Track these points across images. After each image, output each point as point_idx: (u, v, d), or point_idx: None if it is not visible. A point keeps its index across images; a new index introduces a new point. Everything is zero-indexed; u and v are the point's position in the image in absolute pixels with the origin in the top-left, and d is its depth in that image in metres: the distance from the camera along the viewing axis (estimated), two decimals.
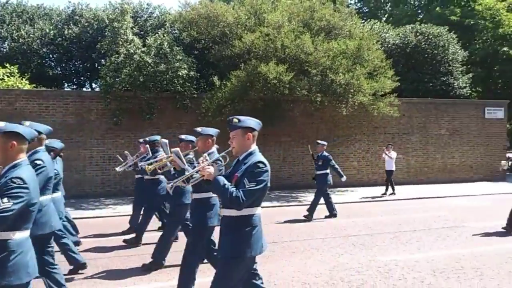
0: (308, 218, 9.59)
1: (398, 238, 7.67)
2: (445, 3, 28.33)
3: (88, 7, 17.29)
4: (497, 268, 5.78)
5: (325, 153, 10.13)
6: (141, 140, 8.46)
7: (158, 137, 7.46)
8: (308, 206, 9.87)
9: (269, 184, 3.28)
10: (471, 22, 23.25)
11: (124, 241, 7.23)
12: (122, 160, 8.92)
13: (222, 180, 3.15)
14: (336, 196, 13.72)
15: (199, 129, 5.04)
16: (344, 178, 10.44)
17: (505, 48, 22.86)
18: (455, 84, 19.01)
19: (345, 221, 9.48)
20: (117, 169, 8.39)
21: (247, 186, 3.10)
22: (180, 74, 12.64)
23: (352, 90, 12.83)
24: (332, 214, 9.97)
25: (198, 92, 14.07)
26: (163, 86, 12.95)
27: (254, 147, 3.38)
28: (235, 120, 3.34)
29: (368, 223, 9.21)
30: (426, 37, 18.64)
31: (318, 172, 10.08)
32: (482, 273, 5.57)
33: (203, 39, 14.33)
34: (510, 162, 18.97)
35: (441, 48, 18.74)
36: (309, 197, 13.43)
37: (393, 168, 13.95)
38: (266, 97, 12.81)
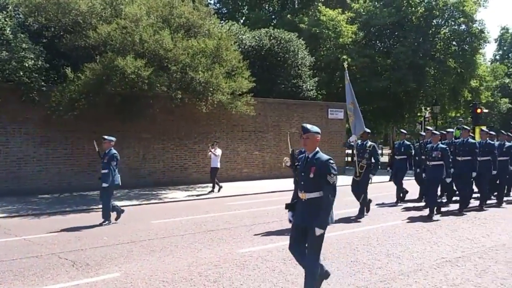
0: (102, 224, 8.80)
1: (253, 231, 8.09)
2: (295, 11, 30.61)
3: None
4: (337, 252, 6.50)
5: (113, 150, 9.00)
6: None
7: None
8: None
9: None
10: (317, 31, 25.49)
11: None
12: None
13: None
14: (197, 192, 13.92)
15: None
16: (104, 185, 8.85)
17: (344, 56, 25.58)
18: (303, 87, 20.64)
19: (204, 217, 9.67)
20: None
21: None
22: (27, 65, 11.48)
23: (211, 89, 13.10)
24: (107, 220, 8.90)
25: (48, 84, 12.93)
26: (5, 76, 11.60)
27: None
28: None
29: (226, 217, 9.54)
30: (278, 42, 19.88)
31: (104, 171, 8.91)
32: (325, 257, 6.15)
33: (53, 27, 13.19)
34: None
35: (292, 53, 20.15)
36: (170, 194, 13.43)
37: (218, 166, 14.06)
38: (124, 92, 12.36)
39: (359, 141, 9.74)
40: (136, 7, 12.61)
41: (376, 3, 27.36)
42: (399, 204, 11.34)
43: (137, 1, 13.24)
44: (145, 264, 5.97)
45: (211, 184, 14.15)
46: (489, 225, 8.49)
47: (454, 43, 27.45)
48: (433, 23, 27.41)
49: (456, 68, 26.46)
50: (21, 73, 11.62)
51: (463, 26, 26.82)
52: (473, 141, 10.75)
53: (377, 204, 11.09)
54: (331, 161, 4.43)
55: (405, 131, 13.10)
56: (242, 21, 31.04)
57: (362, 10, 27.13)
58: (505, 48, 65.34)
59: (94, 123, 13.45)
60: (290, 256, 6.24)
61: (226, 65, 13.68)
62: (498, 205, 11.16)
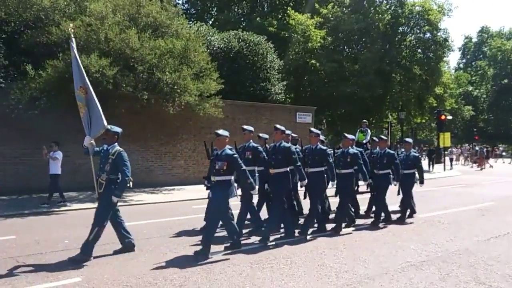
0: None
1: (221, 234, 7.95)
2: (264, 15, 30.70)
3: None
4: (304, 256, 6.45)
5: None
6: None
7: None
8: None
9: None
10: (286, 35, 25.62)
11: None
12: None
13: None
14: (163, 195, 13.66)
15: None
16: None
17: (313, 61, 25.83)
18: (272, 90, 20.68)
19: (170, 220, 9.48)
20: None
21: None
22: None
23: (179, 90, 12.91)
24: None
25: (7, 81, 12.40)
26: None
27: None
28: None
29: (192, 221, 9.34)
30: (247, 44, 19.85)
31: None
32: (292, 261, 6.15)
33: (13, 22, 12.67)
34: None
35: (261, 56, 20.17)
36: (135, 197, 13.12)
37: (59, 172, 11.55)
38: None
39: (105, 146, 6.69)
40: (101, 4, 12.30)
41: (344, 9, 27.78)
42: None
43: None
44: (108, 268, 5.77)
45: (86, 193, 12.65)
46: (452, 229, 8.65)
47: (419, 50, 28.19)
48: (399, 31, 28.10)
49: (421, 75, 27.15)
50: None
51: (428, 34, 27.60)
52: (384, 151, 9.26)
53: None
54: None
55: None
56: (210, 22, 30.86)
57: (330, 16, 27.48)
58: (468, 56, 67.99)
59: (55, 122, 12.99)
60: (257, 260, 6.19)
61: (194, 67, 13.53)
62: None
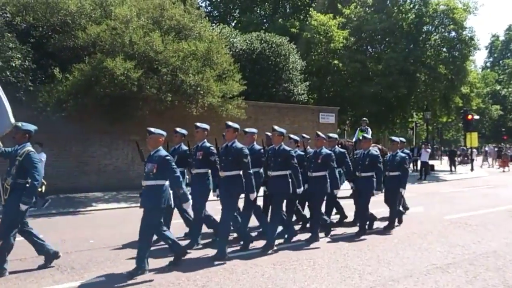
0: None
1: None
2: (287, 16, 30.65)
3: None
4: (327, 258, 6.43)
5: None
6: None
7: None
8: None
9: None
10: (308, 36, 25.50)
11: None
12: None
13: None
14: None
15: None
16: None
17: (335, 61, 25.64)
18: (294, 91, 20.60)
19: None
20: None
21: None
22: (14, 64, 11.28)
23: (202, 92, 13.00)
24: None
25: (35, 84, 12.73)
26: None
27: None
28: None
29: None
30: (270, 45, 19.84)
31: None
32: (315, 263, 6.13)
33: (40, 27, 13.00)
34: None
35: (283, 57, 20.11)
36: None
37: (42, 174, 9.75)
38: (113, 94, 12.20)
39: (16, 146, 5.78)
40: (126, 8, 12.51)
41: (367, 9, 27.46)
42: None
43: (127, 2, 13.14)
44: (131, 267, 5.79)
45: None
46: (480, 231, 8.47)
47: (444, 49, 27.60)
48: (423, 30, 27.59)
49: (446, 74, 26.59)
50: (8, 73, 11.40)
51: (453, 33, 27.00)
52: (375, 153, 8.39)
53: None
54: None
55: (183, 131, 8.14)
56: (233, 24, 30.99)
57: (353, 16, 27.20)
58: (495, 55, 66.50)
59: (82, 124, 13.29)
60: (279, 261, 6.19)
61: (217, 68, 13.60)
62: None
